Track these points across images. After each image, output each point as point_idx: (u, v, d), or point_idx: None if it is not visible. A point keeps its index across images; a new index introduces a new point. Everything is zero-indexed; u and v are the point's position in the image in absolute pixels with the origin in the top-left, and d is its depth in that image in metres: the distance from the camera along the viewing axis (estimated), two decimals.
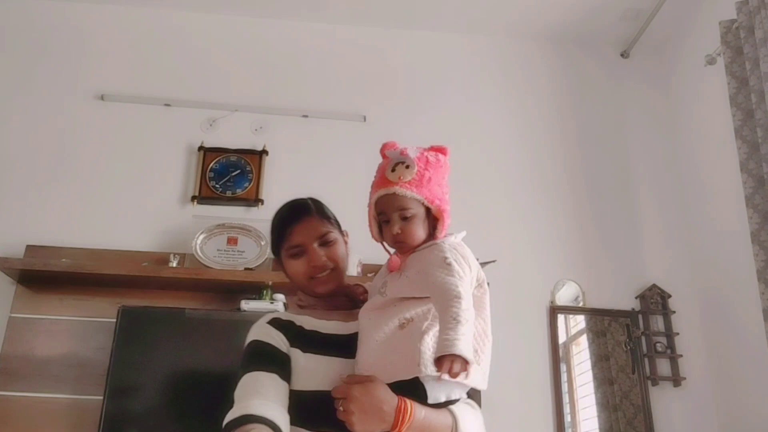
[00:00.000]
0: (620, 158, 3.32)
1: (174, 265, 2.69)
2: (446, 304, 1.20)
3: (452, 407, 1.26)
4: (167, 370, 2.54)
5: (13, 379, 2.54)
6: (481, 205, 3.09)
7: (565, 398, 2.82)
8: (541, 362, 2.88)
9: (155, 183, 2.98)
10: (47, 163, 2.94)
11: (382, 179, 1.36)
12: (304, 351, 1.31)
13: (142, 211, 2.90)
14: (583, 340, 2.96)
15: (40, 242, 2.75)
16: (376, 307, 1.33)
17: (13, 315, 2.63)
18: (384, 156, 1.39)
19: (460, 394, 1.29)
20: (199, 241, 2.79)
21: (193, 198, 2.94)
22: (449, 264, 1.26)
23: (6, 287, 2.67)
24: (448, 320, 1.17)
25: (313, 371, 1.29)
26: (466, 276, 1.26)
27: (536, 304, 2.98)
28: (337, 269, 1.43)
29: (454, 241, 1.34)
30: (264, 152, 3.06)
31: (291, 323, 1.36)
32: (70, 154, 2.98)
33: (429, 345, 1.22)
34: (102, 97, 3.08)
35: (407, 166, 1.32)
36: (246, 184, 3.00)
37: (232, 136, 3.08)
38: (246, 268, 2.74)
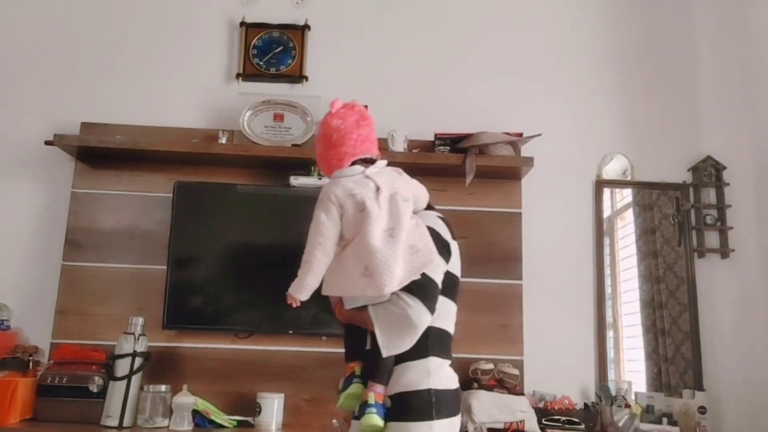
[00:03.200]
0: (677, 20, 3.11)
1: (223, 141, 2.74)
2: None
3: (369, 305, 1.61)
4: (224, 242, 2.68)
5: (81, 250, 2.72)
6: (524, 77, 3.00)
7: (607, 270, 2.86)
8: (584, 236, 2.89)
9: (200, 60, 2.97)
10: (96, 43, 2.96)
11: None
12: None
13: (190, 88, 2.92)
14: (629, 214, 2.95)
15: (93, 119, 2.83)
16: None
17: (74, 190, 2.77)
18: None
19: (370, 301, 1.62)
20: (246, 118, 2.81)
21: (238, 75, 2.93)
22: (315, 209, 1.67)
23: (65, 164, 2.79)
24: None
25: None
26: (321, 215, 1.65)
27: (582, 178, 2.95)
28: None
29: (330, 180, 1.73)
30: (306, 27, 2.98)
31: None
32: (118, 32, 2.97)
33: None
34: None
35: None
36: (289, 61, 2.96)
37: (273, 10, 3.01)
38: (293, 145, 2.77)
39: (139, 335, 2.44)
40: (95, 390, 2.37)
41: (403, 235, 1.59)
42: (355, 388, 1.62)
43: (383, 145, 2.73)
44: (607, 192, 2.95)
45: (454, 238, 1.75)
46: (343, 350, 1.74)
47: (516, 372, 2.56)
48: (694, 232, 2.89)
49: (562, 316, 2.80)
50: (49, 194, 2.79)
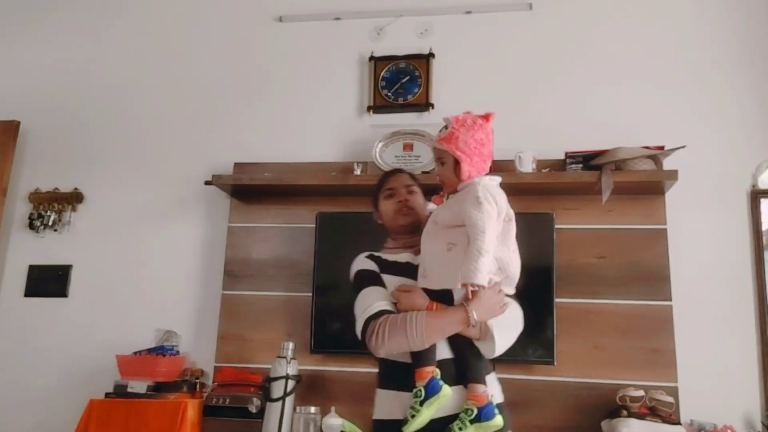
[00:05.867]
0: None
1: (358, 173, 2.88)
2: (473, 237, 1.61)
3: (467, 304, 1.66)
4: None
5: (238, 280, 2.96)
6: (658, 86, 2.88)
7: None
8: (741, 251, 2.69)
9: (334, 97, 3.15)
10: (244, 88, 3.23)
11: None
12: (386, 273, 1.82)
13: (327, 125, 3.11)
14: None
15: (245, 160, 3.08)
16: (430, 233, 1.76)
17: (231, 225, 3.03)
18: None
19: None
20: (378, 149, 2.94)
21: (369, 108, 3.07)
22: (480, 202, 1.64)
23: (222, 201, 3.06)
24: (472, 251, 1.60)
25: (390, 285, 1.79)
26: (493, 212, 1.65)
27: (734, 190, 2.75)
28: (414, 211, 1.91)
29: (488, 182, 1.72)
30: (431, 55, 3.07)
31: (379, 257, 1.88)
32: (261, 77, 3.23)
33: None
34: (281, 19, 3.27)
35: (446, 127, 1.75)
36: (416, 90, 3.06)
37: (399, 42, 3.13)
38: (423, 172, 2.84)
39: (291, 359, 2.60)
40: (254, 411, 2.56)
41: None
42: (448, 389, 1.64)
43: (511, 166, 2.73)
44: (765, 203, 2.71)
45: None
46: None
47: (670, 399, 2.40)
48: None
49: (719, 339, 2.61)
50: (209, 229, 3.08)
